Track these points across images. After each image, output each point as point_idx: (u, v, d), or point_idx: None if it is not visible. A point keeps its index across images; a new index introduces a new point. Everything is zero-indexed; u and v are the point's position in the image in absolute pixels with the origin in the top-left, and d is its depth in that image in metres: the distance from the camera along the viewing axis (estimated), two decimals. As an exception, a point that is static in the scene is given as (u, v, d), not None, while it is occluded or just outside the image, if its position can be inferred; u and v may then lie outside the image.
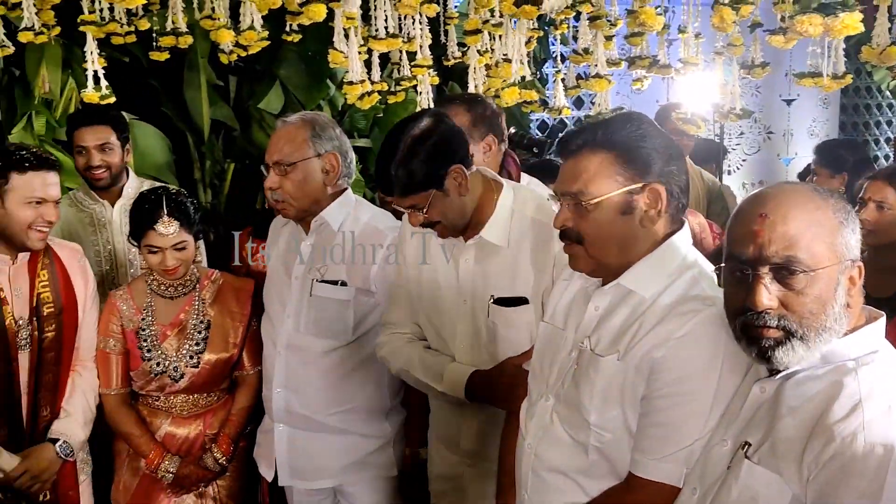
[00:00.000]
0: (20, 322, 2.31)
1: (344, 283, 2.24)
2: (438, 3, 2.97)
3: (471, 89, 3.10)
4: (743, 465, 1.28)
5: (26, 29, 2.81)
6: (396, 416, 2.42)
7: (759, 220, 1.26)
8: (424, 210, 1.86)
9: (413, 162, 1.83)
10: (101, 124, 2.91)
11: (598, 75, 2.70)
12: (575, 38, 3.78)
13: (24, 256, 2.34)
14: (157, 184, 3.19)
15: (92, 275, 2.56)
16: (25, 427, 2.36)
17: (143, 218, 2.36)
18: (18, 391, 2.33)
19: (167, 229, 2.33)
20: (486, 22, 3.04)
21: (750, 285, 1.26)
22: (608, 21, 2.83)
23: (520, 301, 1.90)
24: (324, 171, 2.21)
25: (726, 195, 4.24)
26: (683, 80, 3.92)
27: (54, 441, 2.37)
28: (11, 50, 3.02)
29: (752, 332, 1.28)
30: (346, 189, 2.32)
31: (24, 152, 2.28)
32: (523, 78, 3.00)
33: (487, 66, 3.45)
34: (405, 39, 3.20)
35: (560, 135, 6.69)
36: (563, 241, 1.54)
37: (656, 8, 2.38)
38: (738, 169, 7.00)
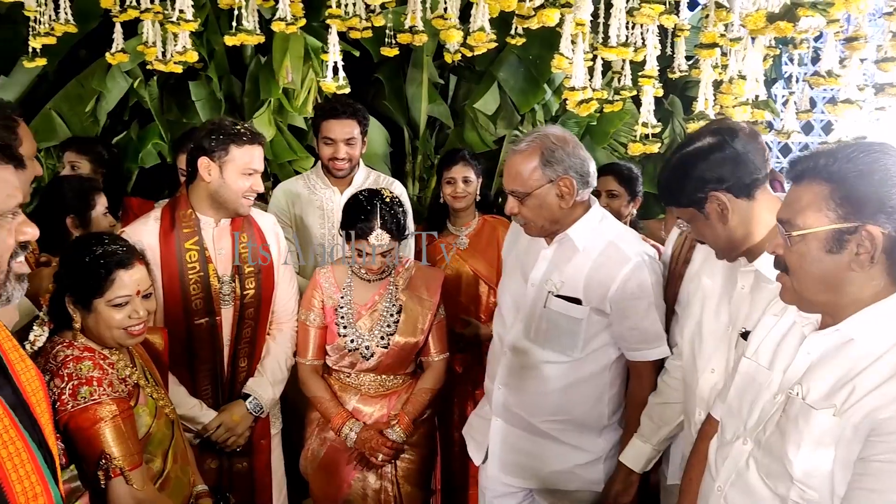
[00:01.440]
0: (223, 279, 2.51)
1: (579, 301, 2.23)
2: (677, 15, 2.87)
3: (699, 105, 2.97)
4: None
5: (279, 19, 3.02)
6: (612, 433, 2.38)
7: None
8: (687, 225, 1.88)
9: (677, 178, 1.84)
10: (350, 118, 3.06)
11: (848, 100, 2.49)
12: (813, 60, 3.54)
13: (225, 220, 2.53)
14: (380, 175, 3.34)
15: (285, 241, 2.72)
16: (226, 376, 2.58)
17: (356, 227, 2.46)
18: (221, 342, 2.54)
19: (378, 241, 2.44)
20: (722, 35, 2.91)
21: None
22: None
23: None
24: (558, 195, 2.18)
25: None
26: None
27: (246, 397, 2.58)
28: (263, 38, 3.26)
29: None
30: (592, 204, 2.28)
31: (240, 127, 2.44)
32: (756, 97, 2.83)
33: (717, 83, 3.31)
34: (635, 49, 3.14)
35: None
36: (776, 269, 1.46)
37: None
38: None
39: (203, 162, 2.40)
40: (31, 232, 1.32)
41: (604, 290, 2.19)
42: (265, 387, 2.61)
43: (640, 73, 3.16)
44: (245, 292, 2.54)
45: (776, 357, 1.52)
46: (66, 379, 1.84)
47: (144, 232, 2.42)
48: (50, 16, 3.35)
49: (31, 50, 3.46)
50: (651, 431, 2.21)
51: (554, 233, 2.25)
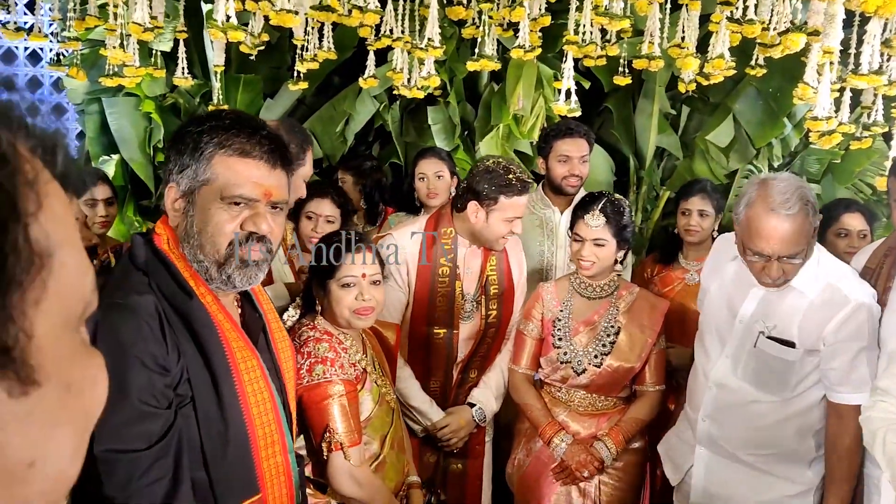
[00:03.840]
0: (467, 296, 2.68)
1: (793, 345, 2.16)
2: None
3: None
4: None
5: (518, 47, 3.16)
6: (820, 465, 2.27)
7: None
8: None
9: None
10: (582, 137, 3.18)
11: None
12: None
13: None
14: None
15: (525, 265, 2.86)
16: (455, 382, 2.75)
17: (579, 208, 2.58)
18: (455, 354, 2.71)
19: (593, 221, 2.51)
20: None
21: None
22: None
23: None
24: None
25: None
26: None
27: (472, 405, 2.73)
28: (499, 65, 3.43)
29: None
30: None
31: (512, 176, 2.54)
32: None
33: None
34: (888, 80, 2.92)
35: None
36: None
37: None
38: None
39: (472, 206, 2.56)
40: (263, 227, 1.41)
41: (819, 331, 2.12)
42: (490, 399, 2.77)
43: (893, 104, 2.93)
44: (489, 312, 2.71)
45: None
46: (306, 356, 2.05)
47: (408, 239, 2.66)
48: (314, 44, 3.75)
49: (295, 74, 3.89)
50: None
51: None
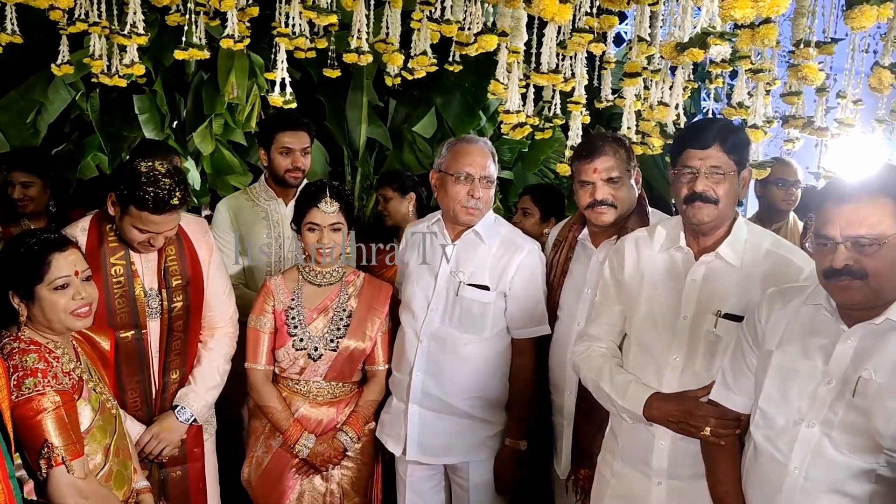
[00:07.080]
0: (150, 293, 2.52)
1: (487, 288, 2.54)
2: (605, 43, 3.09)
3: (623, 130, 3.20)
4: None
5: (228, 37, 3.12)
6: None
7: None
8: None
9: (744, 135, 2.08)
10: (303, 130, 3.18)
11: (754, 126, 2.73)
12: (728, 96, 3.83)
13: None
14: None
15: (215, 247, 2.74)
16: (157, 387, 2.58)
17: (308, 198, 2.64)
18: (149, 356, 2.54)
19: (328, 208, 2.61)
20: (645, 68, 3.14)
21: None
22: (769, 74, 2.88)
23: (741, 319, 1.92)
24: None
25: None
26: (836, 147, 3.87)
27: (175, 407, 2.59)
28: (208, 55, 3.35)
29: None
30: None
31: (152, 190, 2.32)
32: (675, 125, 3.07)
33: (638, 113, 3.55)
34: (564, 78, 3.34)
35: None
36: (840, 279, 1.57)
37: (819, 63, 2.40)
38: None
39: (110, 199, 2.40)
40: None
41: (505, 276, 2.55)
42: (198, 396, 2.62)
43: (568, 100, 3.36)
44: (173, 305, 2.55)
45: (808, 349, 1.67)
46: (12, 370, 1.87)
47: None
48: (-7, 26, 3.38)
49: (-27, 59, 3.47)
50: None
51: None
